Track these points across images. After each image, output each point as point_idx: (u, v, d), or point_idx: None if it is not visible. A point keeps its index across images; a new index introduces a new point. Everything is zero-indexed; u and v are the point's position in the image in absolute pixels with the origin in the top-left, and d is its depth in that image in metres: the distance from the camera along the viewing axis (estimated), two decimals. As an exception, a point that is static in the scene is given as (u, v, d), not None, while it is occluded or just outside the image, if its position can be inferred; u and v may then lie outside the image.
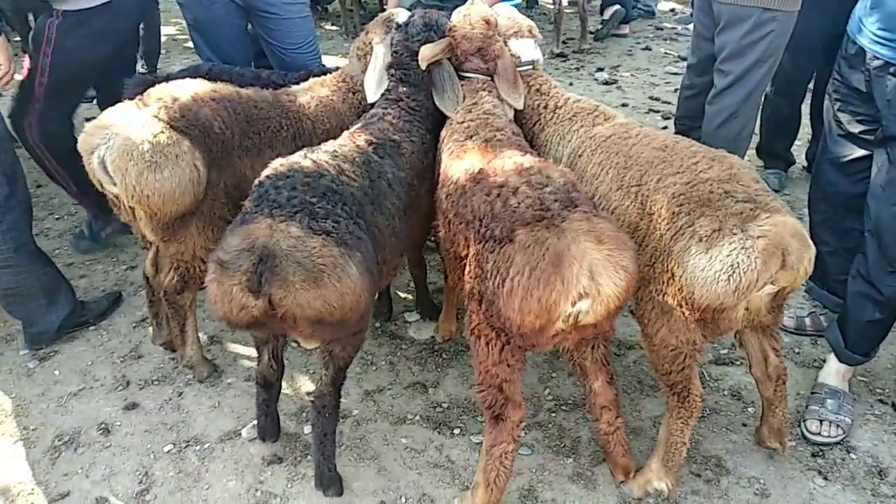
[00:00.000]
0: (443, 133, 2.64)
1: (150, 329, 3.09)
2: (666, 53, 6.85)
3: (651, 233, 2.23)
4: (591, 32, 7.15)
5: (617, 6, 7.06)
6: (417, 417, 2.74)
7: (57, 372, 2.97)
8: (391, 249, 2.41)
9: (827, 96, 2.87)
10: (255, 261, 1.91)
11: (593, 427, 2.47)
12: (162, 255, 2.73)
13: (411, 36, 2.69)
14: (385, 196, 2.38)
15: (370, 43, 2.86)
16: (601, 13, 7.30)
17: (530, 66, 2.84)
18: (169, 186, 2.37)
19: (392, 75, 2.73)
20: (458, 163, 2.38)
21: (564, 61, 6.62)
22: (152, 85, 2.95)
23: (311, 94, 2.86)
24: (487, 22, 2.69)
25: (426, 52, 2.61)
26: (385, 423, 2.72)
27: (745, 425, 2.70)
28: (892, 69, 2.46)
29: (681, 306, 2.14)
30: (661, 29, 7.63)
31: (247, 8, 3.46)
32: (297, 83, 3.09)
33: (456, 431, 2.68)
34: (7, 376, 2.96)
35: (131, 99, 2.83)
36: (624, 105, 5.65)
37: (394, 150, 2.52)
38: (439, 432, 2.67)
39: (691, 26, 7.36)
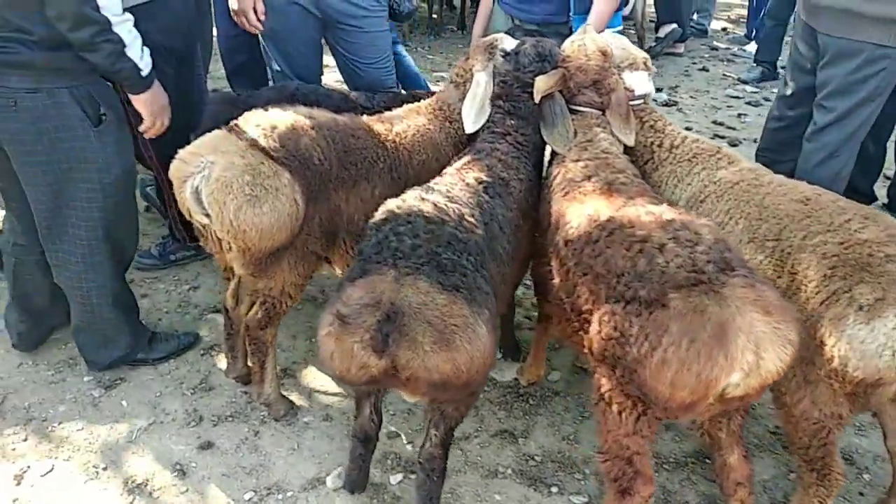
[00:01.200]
0: (553, 170, 2.47)
1: (224, 360, 2.93)
2: (724, 75, 6.66)
3: (793, 294, 2.05)
4: (646, 50, 6.96)
5: (674, 25, 6.87)
6: (510, 471, 2.57)
7: (124, 403, 2.82)
8: (500, 297, 2.24)
9: None
10: (381, 318, 1.75)
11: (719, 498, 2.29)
12: (247, 288, 2.57)
13: (523, 66, 2.52)
14: (497, 240, 2.22)
15: (470, 70, 2.69)
16: (656, 31, 7.12)
17: (641, 101, 2.66)
18: (268, 222, 2.22)
19: (499, 107, 2.56)
20: (579, 207, 2.22)
21: (621, 80, 6.43)
22: (234, 104, 2.81)
23: (407, 122, 2.69)
24: (604, 53, 2.52)
25: (541, 85, 2.44)
26: (475, 476, 2.54)
27: (861, 494, 2.51)
28: None
29: (830, 378, 1.96)
30: (716, 49, 7.44)
31: (325, 20, 3.30)
32: (386, 107, 2.94)
33: (553, 490, 2.50)
34: (72, 405, 2.80)
35: (215, 118, 2.69)
36: (687, 128, 5.45)
37: (503, 190, 2.36)
38: (535, 489, 2.50)
39: (748, 47, 7.23)
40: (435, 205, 2.05)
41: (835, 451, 2.07)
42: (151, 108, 2.56)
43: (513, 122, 2.51)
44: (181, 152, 2.30)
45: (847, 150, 3.29)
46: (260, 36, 3.50)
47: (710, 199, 2.39)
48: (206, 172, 2.19)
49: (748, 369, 1.69)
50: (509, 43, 2.68)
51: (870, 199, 4.36)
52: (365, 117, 2.66)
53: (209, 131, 2.54)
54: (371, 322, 1.76)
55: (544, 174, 2.59)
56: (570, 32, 2.97)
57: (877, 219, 2.07)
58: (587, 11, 3.23)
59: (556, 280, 2.26)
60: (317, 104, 2.85)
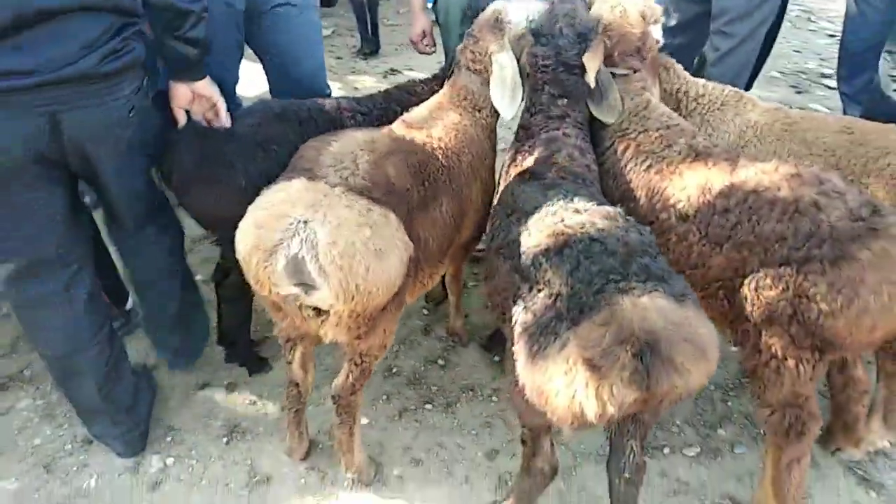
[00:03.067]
0: (615, 144, 2.40)
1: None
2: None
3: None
4: None
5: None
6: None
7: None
8: None
9: None
10: (636, 351, 1.60)
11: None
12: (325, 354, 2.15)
13: (564, 50, 2.34)
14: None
15: (487, 52, 2.45)
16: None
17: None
18: (395, 274, 1.86)
19: (547, 91, 2.36)
20: (679, 179, 2.20)
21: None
22: (210, 136, 2.29)
23: (442, 123, 2.38)
24: (643, 17, 2.46)
25: (594, 65, 2.31)
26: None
27: None
28: None
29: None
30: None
31: (250, 10, 2.72)
32: (384, 110, 2.59)
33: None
34: None
35: (196, 155, 2.20)
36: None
37: (593, 177, 2.25)
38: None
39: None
40: (590, 212, 1.89)
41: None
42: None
43: (565, 102, 2.36)
44: (249, 218, 1.80)
45: (747, 71, 3.68)
46: None
47: (752, 143, 2.52)
48: (307, 235, 1.74)
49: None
50: (516, 12, 2.48)
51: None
52: (400, 127, 2.30)
53: (195, 172, 2.16)
54: (626, 358, 1.59)
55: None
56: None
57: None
58: None
59: (674, 257, 2.22)
60: (313, 121, 2.43)
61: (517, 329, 1.84)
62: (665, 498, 2.39)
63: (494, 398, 2.76)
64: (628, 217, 1.94)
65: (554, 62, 2.35)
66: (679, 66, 2.71)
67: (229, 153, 2.29)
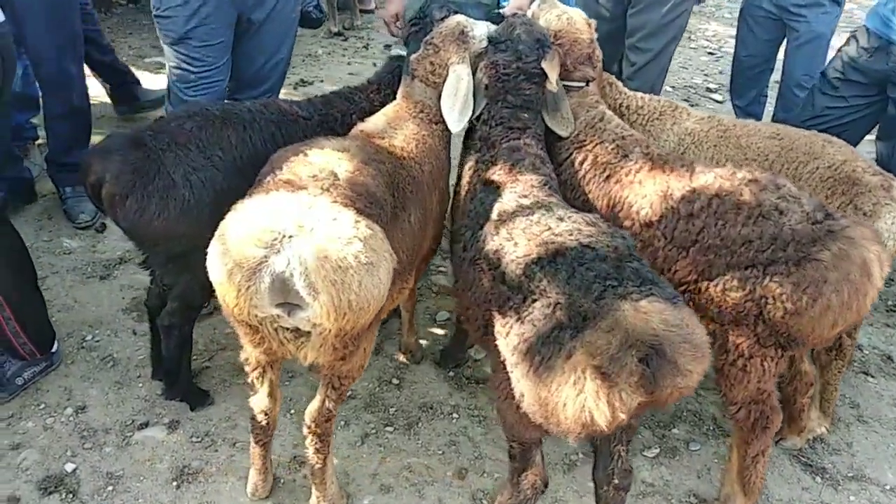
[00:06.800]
0: (572, 156, 2.43)
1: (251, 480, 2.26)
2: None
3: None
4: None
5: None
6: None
7: None
8: None
9: None
10: (642, 355, 1.61)
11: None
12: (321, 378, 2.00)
13: (524, 55, 2.34)
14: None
15: (445, 63, 2.40)
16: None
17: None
18: (384, 289, 1.76)
19: (506, 101, 2.34)
20: (639, 188, 2.26)
21: (345, 40, 6.25)
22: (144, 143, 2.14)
23: (401, 132, 2.30)
24: (588, 24, 2.51)
25: (554, 71, 2.33)
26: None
27: None
28: None
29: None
30: None
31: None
32: (324, 115, 2.49)
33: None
34: None
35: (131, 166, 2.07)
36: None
37: (555, 186, 2.26)
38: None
39: None
40: (574, 219, 1.89)
41: None
42: None
43: (526, 115, 2.35)
44: (229, 232, 1.65)
45: (660, 83, 3.87)
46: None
47: (691, 149, 2.64)
48: (294, 252, 1.61)
49: (880, 287, 2.02)
50: (479, 28, 2.46)
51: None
52: (362, 136, 2.21)
53: (129, 184, 2.04)
54: (633, 363, 1.60)
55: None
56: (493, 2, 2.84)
57: (832, 140, 2.57)
58: None
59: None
60: (256, 125, 2.29)
61: (512, 341, 1.80)
62: (635, 500, 2.42)
63: (455, 415, 2.70)
64: (606, 222, 1.96)
65: (515, 70, 2.35)
66: (619, 82, 2.80)
67: (168, 162, 2.11)
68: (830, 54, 3.68)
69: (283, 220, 1.64)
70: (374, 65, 5.84)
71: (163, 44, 2.82)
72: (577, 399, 1.62)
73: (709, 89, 6.11)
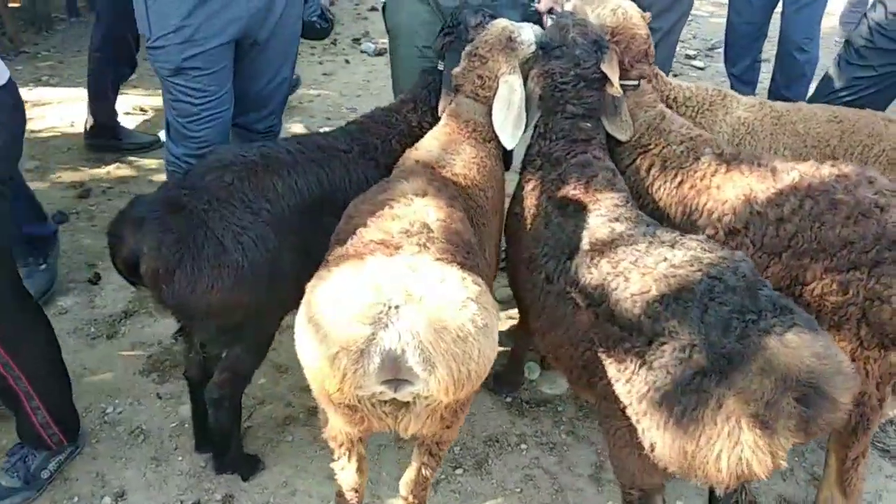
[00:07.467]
0: (636, 162, 2.26)
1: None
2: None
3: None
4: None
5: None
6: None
7: None
8: None
9: None
10: (798, 395, 1.47)
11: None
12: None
13: (582, 60, 2.14)
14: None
15: (496, 75, 2.18)
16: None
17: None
18: (496, 349, 1.57)
19: (568, 112, 2.14)
20: (716, 192, 2.11)
21: (310, 37, 5.89)
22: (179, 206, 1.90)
23: (458, 158, 2.08)
24: (643, 17, 2.34)
25: (615, 73, 2.14)
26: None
27: None
28: None
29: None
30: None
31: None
32: (362, 144, 2.26)
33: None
34: None
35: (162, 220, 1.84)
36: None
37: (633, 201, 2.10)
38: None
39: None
40: (687, 245, 1.73)
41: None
42: None
43: (588, 124, 2.15)
44: (326, 313, 1.42)
45: (670, 61, 3.74)
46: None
47: (746, 140, 2.50)
48: (405, 325, 1.40)
49: None
50: (527, 32, 2.24)
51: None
52: (424, 168, 1.98)
53: (173, 257, 1.80)
54: (790, 406, 1.46)
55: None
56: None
57: (891, 118, 2.46)
58: None
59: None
60: (300, 167, 2.06)
61: (639, 389, 1.64)
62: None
63: (523, 445, 2.53)
64: (716, 242, 1.81)
65: (573, 77, 2.14)
66: (662, 73, 2.64)
67: (214, 224, 1.86)
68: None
69: (386, 289, 1.43)
70: (347, 62, 5.54)
71: (159, 77, 2.51)
72: (734, 451, 1.47)
73: (688, 56, 6.02)
